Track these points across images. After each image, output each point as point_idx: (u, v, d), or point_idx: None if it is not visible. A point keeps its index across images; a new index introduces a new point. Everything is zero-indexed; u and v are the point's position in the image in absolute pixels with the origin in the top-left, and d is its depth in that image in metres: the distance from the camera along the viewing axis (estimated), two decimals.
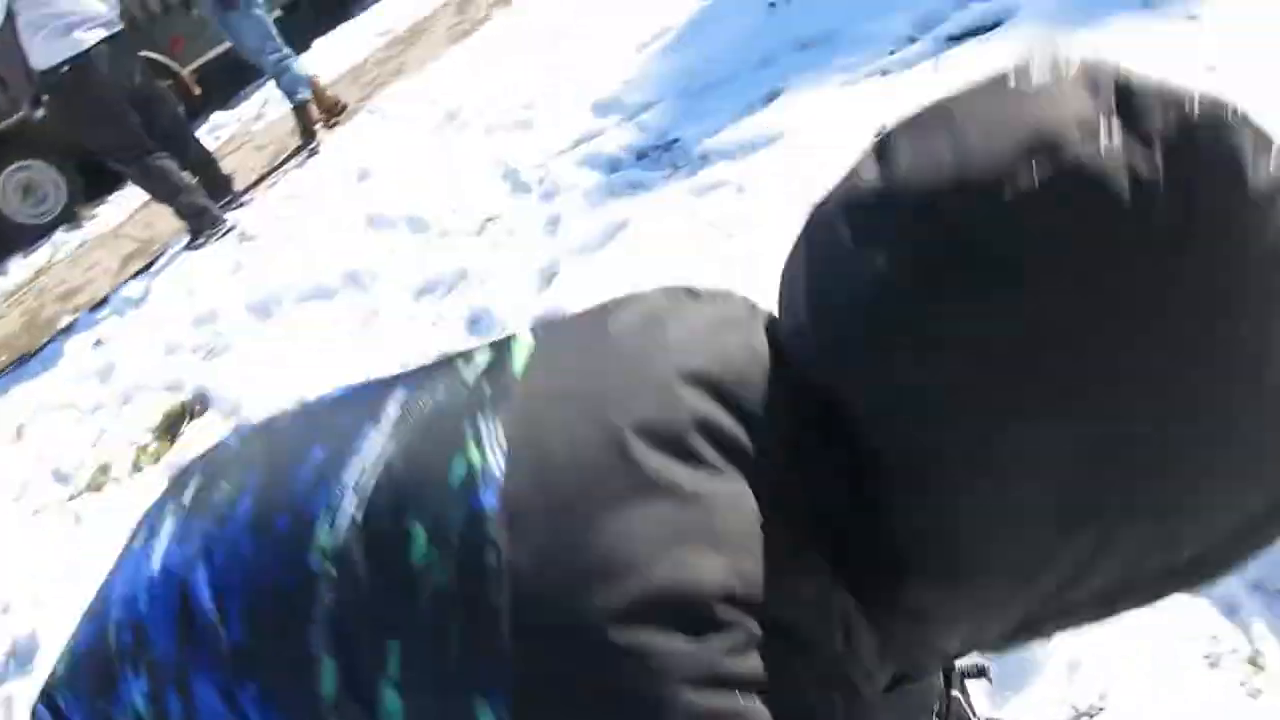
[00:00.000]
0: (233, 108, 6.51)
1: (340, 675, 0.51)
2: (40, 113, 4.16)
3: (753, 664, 0.43)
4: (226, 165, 4.89)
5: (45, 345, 4.44)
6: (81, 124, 4.17)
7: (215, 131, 6.21)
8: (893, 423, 0.46)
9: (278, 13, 4.88)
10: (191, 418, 3.10)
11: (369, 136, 4.42)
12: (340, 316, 3.12)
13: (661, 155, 2.95)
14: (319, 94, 4.85)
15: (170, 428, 3.12)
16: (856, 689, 0.47)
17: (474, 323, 2.69)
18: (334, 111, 4.90)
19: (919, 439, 0.45)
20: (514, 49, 4.38)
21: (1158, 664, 1.57)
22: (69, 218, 6.15)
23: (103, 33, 3.91)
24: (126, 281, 4.58)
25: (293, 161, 4.81)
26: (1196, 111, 0.41)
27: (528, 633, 0.45)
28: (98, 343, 4.03)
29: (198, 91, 5.12)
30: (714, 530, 0.45)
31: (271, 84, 5.08)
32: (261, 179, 4.93)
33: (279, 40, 4.69)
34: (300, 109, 4.77)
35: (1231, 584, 1.33)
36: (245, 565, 0.56)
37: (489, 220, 3.15)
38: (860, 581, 0.48)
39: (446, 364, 0.59)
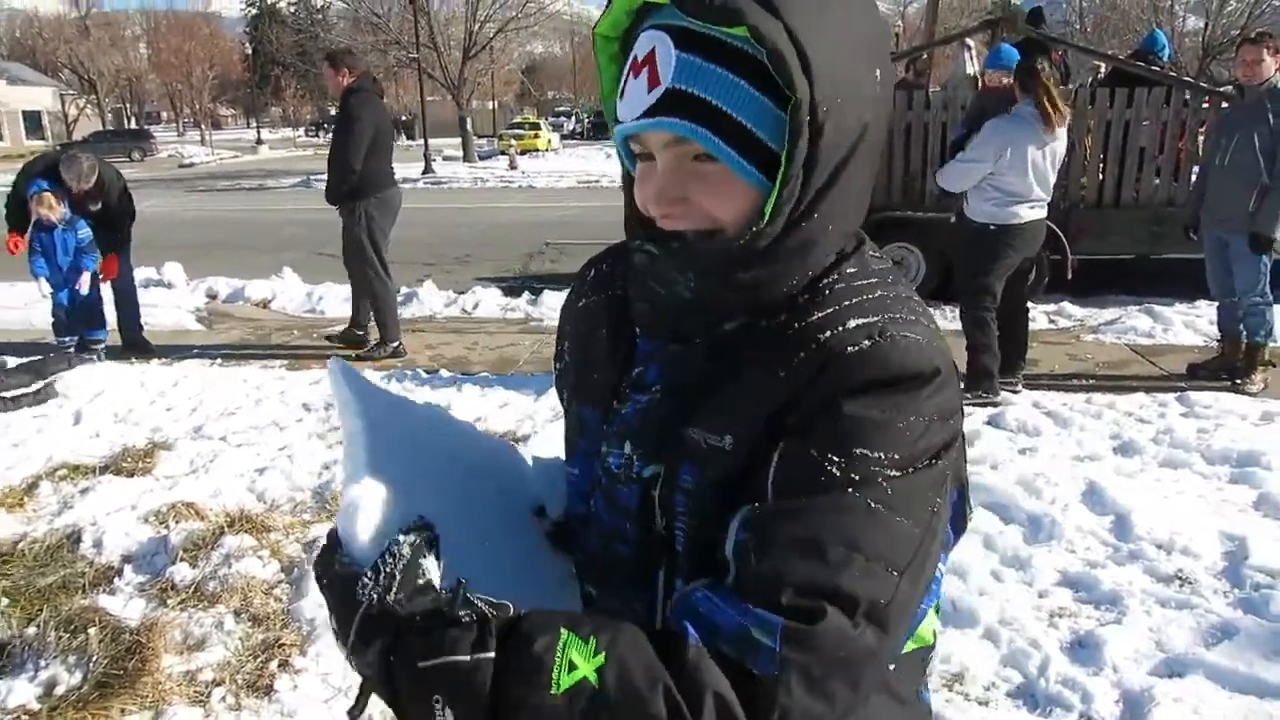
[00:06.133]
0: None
1: None
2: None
3: None
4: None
5: None
6: (974, 259, 4.94)
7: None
8: None
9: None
10: None
11: None
12: None
13: None
14: None
15: None
16: None
17: None
18: None
19: None
20: None
21: None
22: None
23: (1040, 214, 4.84)
24: None
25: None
26: None
27: None
28: None
29: (1069, 275, 5.65)
30: None
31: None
32: None
33: (1267, 289, 5.17)
34: (1253, 348, 5.24)
35: None
36: None
37: None
38: None
39: None
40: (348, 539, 0.76)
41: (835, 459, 0.71)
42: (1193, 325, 6.52)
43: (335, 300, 7.85)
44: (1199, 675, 2.60)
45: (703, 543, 0.79)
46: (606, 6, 0.81)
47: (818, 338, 0.76)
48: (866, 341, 0.74)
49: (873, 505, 0.70)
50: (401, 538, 0.72)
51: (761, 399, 0.76)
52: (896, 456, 0.72)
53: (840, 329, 0.76)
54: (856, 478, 0.71)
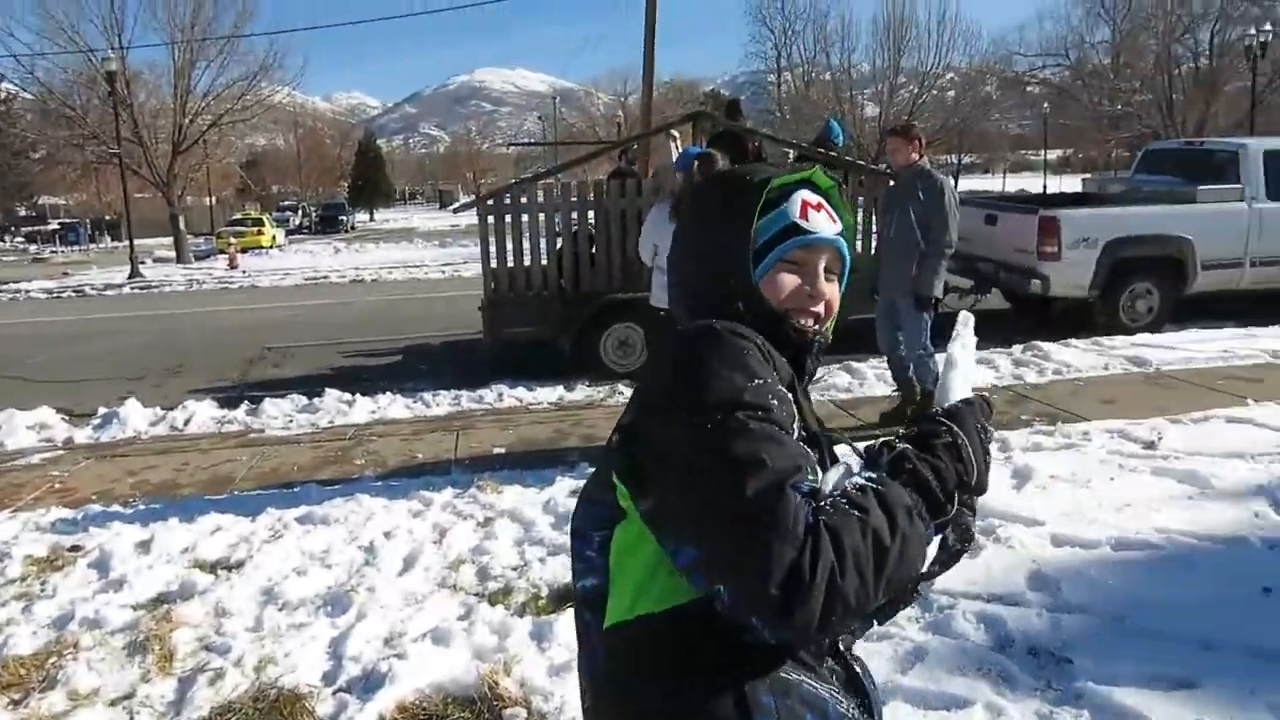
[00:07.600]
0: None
1: None
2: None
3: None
4: None
5: None
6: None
7: None
8: None
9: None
10: None
11: None
12: None
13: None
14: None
15: None
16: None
17: None
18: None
19: None
20: None
21: None
22: None
23: None
24: None
25: None
26: None
27: None
28: None
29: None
30: None
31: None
32: None
33: (928, 343, 5.82)
34: (926, 394, 5.80)
35: None
36: None
37: None
38: None
39: None
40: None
41: None
42: (884, 378, 7.21)
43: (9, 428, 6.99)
44: (898, 700, 2.83)
45: None
46: (788, 173, 1.23)
47: None
48: None
49: None
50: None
51: None
52: None
53: None
54: None
